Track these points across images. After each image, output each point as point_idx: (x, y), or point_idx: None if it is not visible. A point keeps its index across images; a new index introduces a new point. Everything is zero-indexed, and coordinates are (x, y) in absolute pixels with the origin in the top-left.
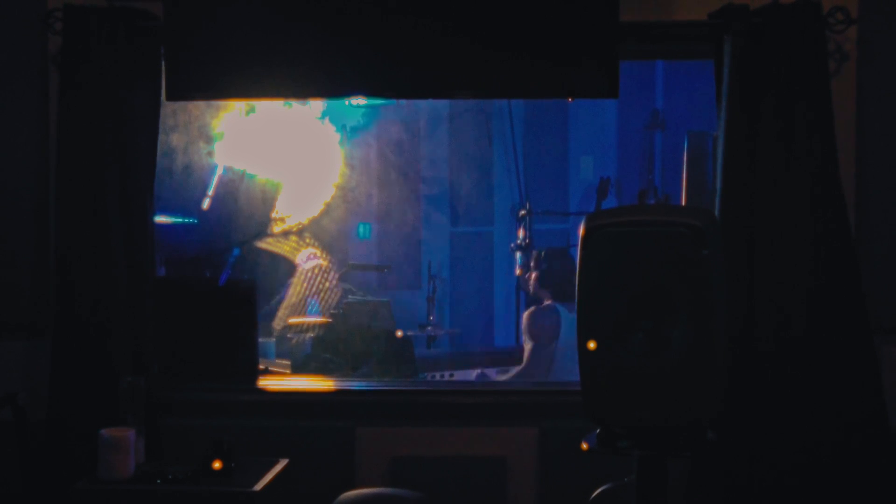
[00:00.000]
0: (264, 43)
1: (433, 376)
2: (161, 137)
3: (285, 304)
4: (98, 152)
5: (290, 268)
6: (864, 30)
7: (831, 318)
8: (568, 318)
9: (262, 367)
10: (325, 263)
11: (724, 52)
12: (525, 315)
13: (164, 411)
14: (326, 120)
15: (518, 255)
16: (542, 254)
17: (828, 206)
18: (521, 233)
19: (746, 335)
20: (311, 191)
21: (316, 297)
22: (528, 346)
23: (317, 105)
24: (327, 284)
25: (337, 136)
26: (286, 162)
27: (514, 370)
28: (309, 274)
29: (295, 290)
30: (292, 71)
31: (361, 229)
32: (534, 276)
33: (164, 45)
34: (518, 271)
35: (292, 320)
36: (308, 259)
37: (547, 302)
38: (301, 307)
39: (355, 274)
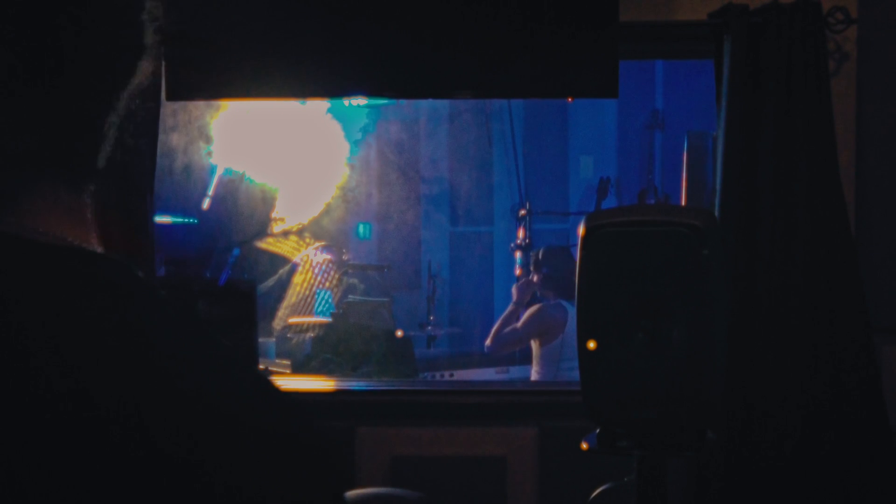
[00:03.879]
0: (264, 43)
1: (433, 376)
2: (161, 137)
3: (285, 304)
4: None
5: (290, 267)
6: (864, 30)
7: (831, 317)
8: (574, 314)
9: (262, 367)
10: (345, 256)
11: (724, 52)
12: (532, 311)
13: None
14: (329, 118)
15: (518, 255)
16: (541, 255)
17: (828, 206)
18: (521, 233)
19: (746, 335)
20: (312, 191)
21: (323, 287)
22: (535, 346)
23: (317, 104)
24: (336, 276)
25: (341, 136)
26: (288, 162)
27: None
28: (317, 269)
29: (295, 289)
30: (292, 71)
31: (361, 229)
32: (535, 278)
33: (164, 45)
34: (518, 271)
35: (292, 320)
36: (319, 252)
37: (552, 301)
38: (301, 307)
39: (356, 274)
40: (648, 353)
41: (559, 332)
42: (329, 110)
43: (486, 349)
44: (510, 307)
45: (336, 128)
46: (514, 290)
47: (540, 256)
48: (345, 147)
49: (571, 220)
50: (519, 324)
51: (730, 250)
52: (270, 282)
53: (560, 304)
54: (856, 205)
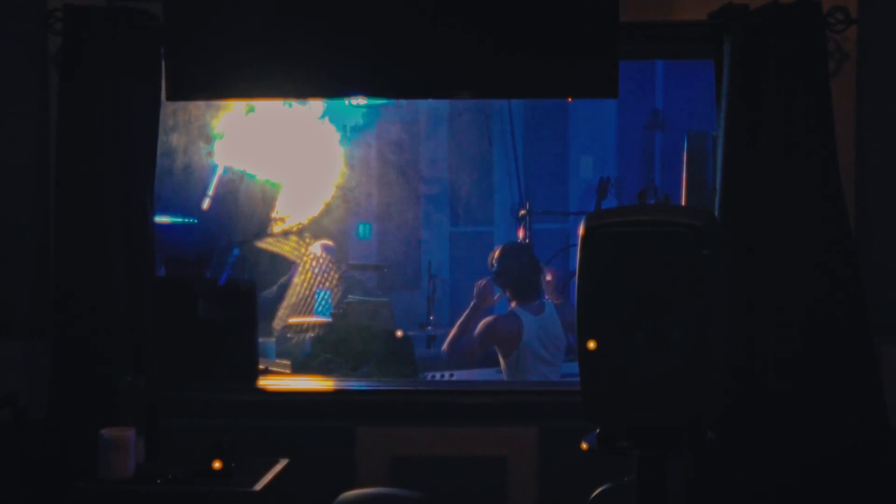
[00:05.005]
0: (264, 43)
1: (433, 376)
2: (161, 137)
3: (285, 303)
4: (98, 152)
5: (290, 268)
6: (864, 30)
7: (831, 317)
8: (530, 321)
9: (262, 367)
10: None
11: (724, 52)
12: (485, 323)
13: (164, 411)
14: (326, 120)
15: None
16: (496, 253)
17: (828, 206)
18: (521, 233)
19: (746, 335)
20: (311, 191)
21: (323, 286)
22: (500, 356)
23: (317, 105)
24: (336, 275)
25: (337, 136)
26: (286, 162)
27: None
28: (315, 264)
29: (295, 289)
30: (292, 71)
31: (361, 229)
32: (507, 292)
33: (164, 45)
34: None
35: (292, 320)
36: (320, 248)
37: (511, 305)
38: (301, 307)
39: (356, 274)
40: (648, 353)
41: (515, 344)
42: (325, 112)
43: (442, 353)
44: (468, 310)
45: (332, 128)
46: (475, 286)
47: (495, 255)
48: (341, 147)
49: (571, 220)
50: (475, 333)
51: (730, 250)
52: (274, 288)
53: (514, 314)
54: (856, 205)
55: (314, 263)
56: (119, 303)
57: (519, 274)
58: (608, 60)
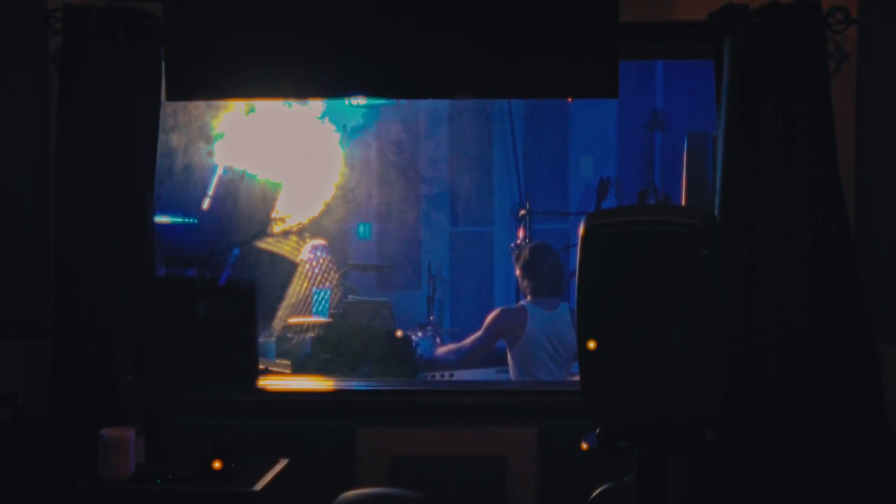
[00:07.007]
0: (264, 43)
1: (433, 376)
2: (161, 137)
3: (285, 303)
4: (98, 152)
5: (290, 268)
6: (864, 30)
7: (831, 318)
8: (538, 314)
9: (262, 367)
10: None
11: (724, 52)
12: (493, 314)
13: (164, 411)
14: (326, 120)
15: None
16: (527, 254)
17: (828, 206)
18: (521, 233)
19: (746, 335)
20: (311, 191)
21: (323, 286)
22: (507, 347)
23: (317, 105)
24: (335, 274)
25: (337, 136)
26: (286, 162)
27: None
28: (317, 269)
29: (295, 289)
30: (292, 71)
31: (361, 229)
32: (526, 282)
33: (164, 45)
34: (518, 272)
35: (292, 320)
36: (314, 250)
37: (525, 299)
38: (301, 307)
39: (355, 274)
40: (648, 352)
41: (519, 334)
42: (325, 112)
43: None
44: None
45: (332, 128)
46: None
47: (526, 250)
48: (345, 147)
49: (571, 220)
50: (482, 329)
51: (730, 250)
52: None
53: (521, 306)
54: (856, 205)
55: (313, 264)
56: (119, 302)
57: (544, 271)
58: (608, 60)
